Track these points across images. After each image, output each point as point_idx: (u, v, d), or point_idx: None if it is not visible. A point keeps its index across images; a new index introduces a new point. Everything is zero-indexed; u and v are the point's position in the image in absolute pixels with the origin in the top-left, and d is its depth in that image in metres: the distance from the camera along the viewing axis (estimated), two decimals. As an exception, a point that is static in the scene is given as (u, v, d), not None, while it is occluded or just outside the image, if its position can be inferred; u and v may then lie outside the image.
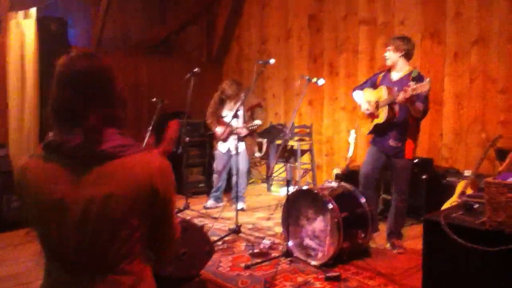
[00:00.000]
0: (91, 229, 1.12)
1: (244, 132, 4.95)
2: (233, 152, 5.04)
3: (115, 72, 1.21)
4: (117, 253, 1.15)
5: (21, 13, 4.88)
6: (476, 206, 2.39)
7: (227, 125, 4.81)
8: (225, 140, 5.10)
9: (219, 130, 5.07)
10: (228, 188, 5.39)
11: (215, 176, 5.27)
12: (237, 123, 4.94)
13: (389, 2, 5.23)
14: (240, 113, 4.90)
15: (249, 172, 4.70)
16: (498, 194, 2.05)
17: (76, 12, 6.38)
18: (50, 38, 4.97)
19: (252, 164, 6.66)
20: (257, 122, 5.00)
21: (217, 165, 5.23)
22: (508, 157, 2.44)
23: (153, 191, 1.15)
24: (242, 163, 5.04)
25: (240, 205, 5.04)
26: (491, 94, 4.47)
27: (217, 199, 5.29)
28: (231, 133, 5.01)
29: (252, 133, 5.05)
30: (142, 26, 7.04)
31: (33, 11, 4.86)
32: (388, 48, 3.76)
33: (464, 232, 2.11)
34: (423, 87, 3.32)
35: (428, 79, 3.37)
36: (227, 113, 5.07)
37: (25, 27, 4.85)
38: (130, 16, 6.91)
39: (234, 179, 5.08)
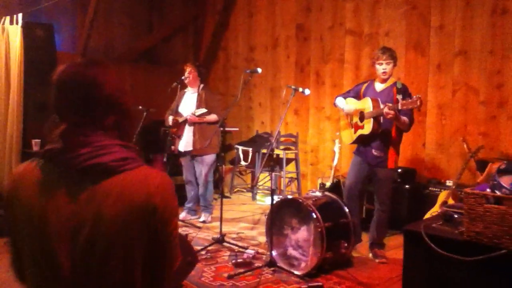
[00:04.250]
0: (83, 250, 1.04)
1: (191, 117, 4.68)
2: (189, 148, 4.78)
3: (112, 80, 1.14)
4: (111, 279, 1.05)
5: (7, 19, 4.84)
6: (456, 216, 2.42)
7: (179, 113, 4.76)
8: (179, 132, 4.82)
9: (170, 118, 4.84)
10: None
11: (186, 186, 5.02)
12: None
13: (374, 13, 5.30)
14: (193, 100, 4.80)
15: (218, 177, 4.39)
16: (476, 205, 2.08)
17: (62, 18, 6.36)
18: (36, 43, 4.94)
19: (237, 172, 6.66)
20: (203, 110, 4.67)
21: (185, 173, 4.98)
22: (486, 168, 2.48)
23: (150, 211, 1.06)
24: (201, 167, 4.82)
25: (202, 216, 4.92)
26: (473, 105, 4.54)
27: (190, 211, 5.02)
28: (184, 123, 4.78)
29: (202, 123, 4.71)
30: (128, 35, 7.04)
31: (19, 16, 4.83)
32: (388, 61, 3.69)
33: (443, 242, 2.14)
34: (413, 104, 3.33)
35: (418, 96, 3.34)
36: (183, 108, 4.88)
37: (11, 32, 4.81)
38: (116, 25, 6.91)
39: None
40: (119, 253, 1.05)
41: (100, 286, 1.06)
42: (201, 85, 4.91)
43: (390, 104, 3.47)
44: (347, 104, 3.92)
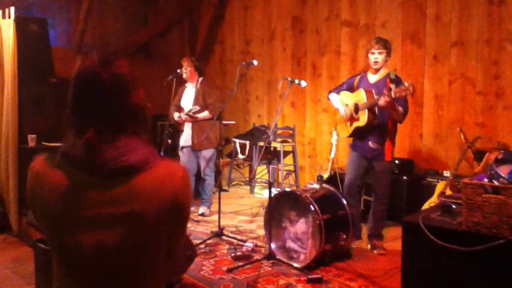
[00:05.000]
0: (113, 246, 1.06)
1: (185, 118, 4.75)
2: (189, 143, 4.84)
3: (137, 87, 1.14)
4: (139, 270, 1.10)
5: (-2, 12, 4.78)
6: (454, 206, 2.42)
7: (182, 108, 4.78)
8: (181, 127, 4.92)
9: (176, 114, 4.88)
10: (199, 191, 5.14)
11: None
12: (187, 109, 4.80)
13: (370, 4, 5.27)
14: (191, 96, 4.81)
15: (216, 171, 4.50)
16: (474, 195, 2.08)
17: (56, 13, 6.30)
18: (30, 38, 4.88)
19: (235, 166, 6.65)
20: (196, 107, 4.72)
21: (185, 166, 4.95)
22: (484, 158, 2.48)
23: (177, 204, 1.12)
24: (200, 162, 4.88)
25: (200, 209, 4.96)
26: (470, 96, 4.54)
27: None
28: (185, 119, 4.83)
29: (197, 120, 4.74)
30: (123, 29, 6.99)
31: (11, 10, 4.77)
32: (380, 51, 3.68)
33: (442, 233, 2.14)
34: (406, 90, 3.34)
35: (409, 81, 3.39)
36: (184, 103, 4.92)
37: (3, 27, 4.75)
38: (111, 19, 6.85)
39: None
40: (151, 245, 1.11)
41: (131, 278, 1.10)
42: (200, 79, 4.89)
43: (386, 91, 3.45)
44: (342, 106, 3.90)
